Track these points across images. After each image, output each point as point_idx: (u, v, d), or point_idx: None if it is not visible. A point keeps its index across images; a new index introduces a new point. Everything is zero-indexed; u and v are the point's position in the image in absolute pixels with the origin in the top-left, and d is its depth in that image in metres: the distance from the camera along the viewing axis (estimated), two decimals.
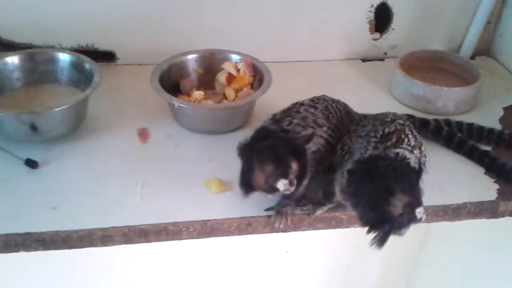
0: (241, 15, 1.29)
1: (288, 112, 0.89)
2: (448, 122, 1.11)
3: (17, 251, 0.86)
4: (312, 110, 0.89)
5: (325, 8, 1.31)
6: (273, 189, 0.79)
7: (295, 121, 0.85)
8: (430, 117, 1.14)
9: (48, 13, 1.21)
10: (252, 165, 0.80)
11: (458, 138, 1.07)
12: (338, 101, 0.97)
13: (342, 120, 0.93)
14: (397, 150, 0.82)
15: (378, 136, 0.86)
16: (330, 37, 1.35)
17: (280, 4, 1.28)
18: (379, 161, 0.79)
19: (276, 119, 0.87)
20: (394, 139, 0.85)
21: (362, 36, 1.38)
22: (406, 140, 0.86)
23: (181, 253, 1.60)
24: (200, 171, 1.00)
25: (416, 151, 0.86)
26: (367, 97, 1.25)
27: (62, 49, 1.19)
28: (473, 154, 1.06)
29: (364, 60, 1.41)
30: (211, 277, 1.72)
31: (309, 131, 0.85)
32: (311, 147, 0.84)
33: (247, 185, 0.82)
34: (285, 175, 0.77)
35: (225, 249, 1.64)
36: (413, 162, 0.81)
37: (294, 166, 0.78)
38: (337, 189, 0.85)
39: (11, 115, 0.97)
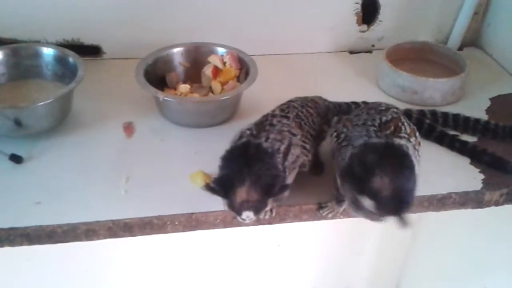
0: (227, 7, 1.28)
1: (262, 126, 0.88)
2: (433, 113, 1.12)
3: (2, 246, 0.86)
4: (285, 120, 0.89)
5: (312, 0, 1.30)
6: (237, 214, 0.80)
7: (271, 136, 0.85)
8: (416, 108, 1.14)
9: (33, 7, 1.20)
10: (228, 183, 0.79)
11: (439, 131, 1.08)
12: (307, 104, 0.96)
13: (314, 124, 0.94)
14: (400, 141, 0.83)
15: (376, 124, 0.86)
16: (317, 30, 1.35)
17: None
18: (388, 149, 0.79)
19: (253, 134, 0.87)
20: (392, 127, 0.86)
21: (349, 28, 1.37)
22: (403, 128, 0.87)
23: (170, 247, 1.60)
24: (186, 165, 0.99)
25: (412, 139, 0.87)
26: (355, 89, 1.25)
27: (47, 44, 1.18)
28: (453, 145, 1.07)
29: (351, 52, 1.41)
30: (201, 272, 1.72)
31: (286, 143, 0.85)
32: (289, 158, 0.85)
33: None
34: (252, 210, 0.78)
35: (216, 242, 1.64)
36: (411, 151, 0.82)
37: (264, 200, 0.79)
38: (337, 175, 0.86)
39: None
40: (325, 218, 0.93)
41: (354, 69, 1.33)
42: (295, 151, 0.87)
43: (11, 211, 0.86)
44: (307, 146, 0.90)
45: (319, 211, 0.93)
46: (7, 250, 0.87)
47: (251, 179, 0.77)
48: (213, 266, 1.71)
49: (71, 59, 1.09)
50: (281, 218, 0.93)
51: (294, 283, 1.86)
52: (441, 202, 0.98)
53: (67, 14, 1.22)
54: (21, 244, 0.86)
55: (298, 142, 0.88)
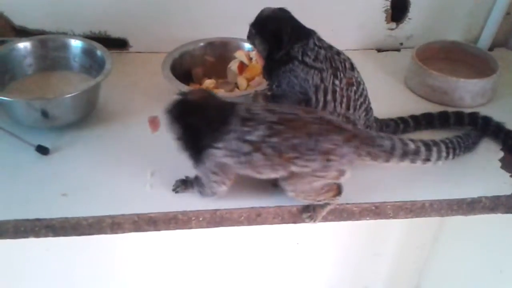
0: (254, 3, 1.26)
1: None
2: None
3: (27, 237, 0.87)
4: None
5: None
6: None
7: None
8: (447, 109, 1.12)
9: (61, 0, 1.20)
10: None
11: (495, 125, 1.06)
12: None
13: None
14: None
15: None
16: (345, 26, 1.33)
17: None
18: None
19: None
20: None
21: (377, 25, 1.35)
22: None
23: (190, 242, 1.60)
24: None
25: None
26: (382, 88, 1.22)
27: (75, 36, 1.18)
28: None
29: (379, 50, 1.39)
30: (220, 268, 1.72)
31: None
32: None
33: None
34: None
35: (235, 239, 1.63)
36: None
37: None
38: None
39: (22, 101, 0.97)
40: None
41: (382, 67, 1.31)
42: None
43: (36, 202, 0.87)
44: None
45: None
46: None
47: None
48: (231, 262, 1.71)
49: (98, 52, 1.09)
50: None
51: (312, 282, 1.84)
52: (470, 206, 0.95)
53: (95, 7, 1.22)
54: (46, 235, 0.87)
55: None
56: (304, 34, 0.95)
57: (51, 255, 1.53)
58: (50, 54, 1.12)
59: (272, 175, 0.84)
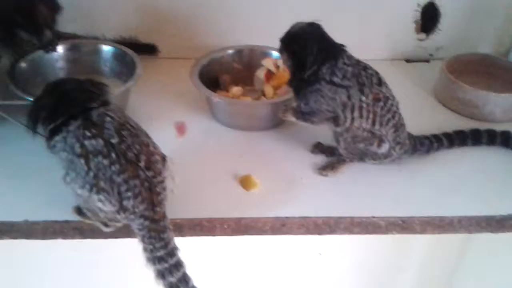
0: (282, 11, 1.27)
1: None
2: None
3: (55, 238, 0.88)
4: None
5: (370, 5, 1.28)
6: None
7: None
8: (476, 123, 1.10)
9: (93, 4, 1.23)
10: None
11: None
12: None
13: None
14: None
15: None
16: (374, 36, 1.32)
17: (322, 1, 1.26)
18: None
19: None
20: None
21: (407, 36, 1.34)
22: None
23: (211, 250, 1.60)
24: (235, 168, 0.99)
25: None
26: (411, 99, 1.20)
27: (106, 41, 1.21)
28: None
29: (408, 60, 1.37)
30: (240, 277, 1.71)
31: None
32: None
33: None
34: None
35: (257, 248, 1.63)
36: None
37: None
38: None
39: None
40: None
41: (411, 78, 1.30)
42: None
43: (66, 204, 0.87)
44: None
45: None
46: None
47: None
48: (253, 270, 1.70)
49: (129, 58, 1.10)
50: (331, 230, 0.91)
51: None
52: (500, 224, 0.93)
53: (126, 12, 1.25)
54: (73, 237, 0.88)
55: None
56: (333, 53, 0.95)
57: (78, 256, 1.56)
58: (82, 58, 1.14)
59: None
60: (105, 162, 0.75)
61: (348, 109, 0.94)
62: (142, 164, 0.77)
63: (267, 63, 1.16)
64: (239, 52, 1.20)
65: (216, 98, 1.05)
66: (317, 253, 1.66)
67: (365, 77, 0.94)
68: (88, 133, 0.76)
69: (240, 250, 1.62)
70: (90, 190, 0.76)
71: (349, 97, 0.93)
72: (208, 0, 1.25)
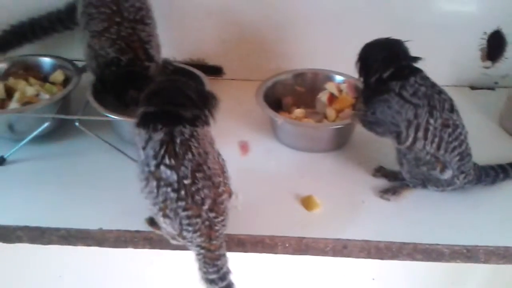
0: (346, 36, 1.29)
1: None
2: None
3: (125, 247, 0.93)
4: None
5: (436, 32, 1.27)
6: None
7: None
8: None
9: (166, 28, 1.30)
10: None
11: None
12: None
13: None
14: None
15: None
16: (438, 62, 1.30)
17: (387, 26, 1.26)
18: None
19: None
20: None
21: (472, 63, 1.32)
22: None
23: (264, 267, 1.61)
24: (297, 188, 1.01)
25: None
26: (475, 127, 1.17)
27: (177, 61, 1.27)
28: None
29: (473, 87, 1.35)
30: None
31: None
32: None
33: None
34: None
35: (308, 270, 1.62)
36: None
37: None
38: None
39: (127, 120, 1.05)
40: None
41: (475, 106, 1.28)
42: None
43: (138, 215, 0.92)
44: None
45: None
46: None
47: None
48: None
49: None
50: (393, 255, 0.91)
51: None
52: None
53: (198, 36, 1.31)
54: (143, 247, 0.93)
55: None
56: (408, 71, 0.96)
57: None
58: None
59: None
60: (173, 195, 0.78)
61: (413, 127, 0.93)
62: (205, 207, 0.79)
63: (330, 87, 1.18)
64: (302, 75, 1.23)
65: (281, 119, 1.08)
66: (371, 278, 1.63)
67: (437, 100, 0.94)
68: (167, 161, 0.78)
69: (292, 271, 1.62)
70: (159, 210, 0.80)
71: (415, 116, 0.93)
72: (273, 26, 1.29)
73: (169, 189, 0.78)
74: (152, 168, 0.78)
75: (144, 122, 0.81)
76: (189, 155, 0.78)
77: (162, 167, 0.78)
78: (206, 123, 0.85)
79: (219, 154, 0.88)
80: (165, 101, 0.82)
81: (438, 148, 0.94)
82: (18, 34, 1.24)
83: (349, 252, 0.91)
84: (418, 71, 0.96)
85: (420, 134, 0.93)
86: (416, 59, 0.97)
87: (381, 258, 0.91)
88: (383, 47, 0.99)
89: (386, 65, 0.96)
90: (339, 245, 0.91)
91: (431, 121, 0.93)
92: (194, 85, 0.87)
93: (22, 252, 1.22)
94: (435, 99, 0.94)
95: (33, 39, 1.24)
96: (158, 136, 0.79)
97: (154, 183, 0.79)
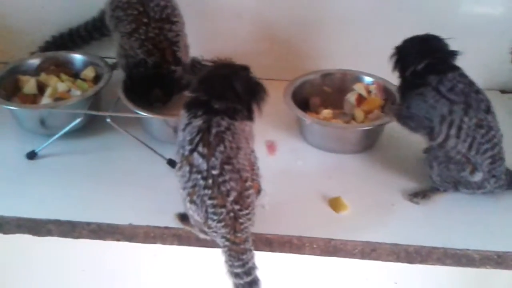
0: (376, 38, 1.28)
1: None
2: None
3: (154, 243, 0.94)
4: None
5: (466, 35, 1.25)
6: None
7: None
8: None
9: (194, 28, 1.31)
10: None
11: None
12: None
13: None
14: None
15: None
16: (468, 65, 1.28)
17: (418, 28, 1.25)
18: None
19: None
20: None
21: (503, 66, 1.30)
22: None
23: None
24: (324, 189, 1.01)
25: None
26: (505, 130, 1.17)
27: (204, 60, 1.27)
28: None
29: (503, 91, 1.34)
30: None
31: None
32: None
33: None
34: None
35: (330, 272, 1.61)
36: None
37: None
38: None
39: (159, 118, 1.06)
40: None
41: (505, 109, 1.26)
42: None
43: (167, 211, 0.93)
44: None
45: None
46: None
47: None
48: None
49: None
50: (422, 259, 0.90)
51: None
52: None
53: (223, 37, 1.32)
54: (171, 243, 0.93)
55: None
56: (446, 66, 0.96)
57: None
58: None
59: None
60: (201, 182, 0.80)
61: (446, 123, 0.93)
62: (231, 198, 0.80)
63: (359, 88, 1.18)
64: (330, 75, 1.23)
65: (309, 119, 1.08)
66: (393, 282, 1.62)
67: (474, 99, 0.93)
68: (200, 149, 0.80)
69: (316, 272, 1.61)
70: (187, 195, 0.82)
71: (450, 112, 0.92)
72: (301, 26, 1.29)
73: (198, 176, 0.80)
74: (187, 153, 0.81)
75: (189, 106, 0.84)
76: (221, 147, 0.80)
77: (195, 154, 0.80)
78: (247, 117, 0.86)
79: (252, 151, 0.88)
80: (209, 90, 0.84)
81: (470, 148, 0.93)
82: (59, 45, 1.29)
83: (377, 255, 0.91)
84: (457, 68, 0.96)
85: (453, 131, 0.92)
86: (453, 53, 0.96)
87: (410, 262, 0.90)
88: (419, 41, 0.99)
89: (421, 58, 0.95)
90: (367, 248, 0.90)
91: (466, 119, 0.92)
92: (245, 76, 0.88)
93: (47, 245, 1.24)
94: (472, 97, 0.93)
95: (73, 48, 1.28)
96: (197, 122, 0.81)
97: (187, 168, 0.81)
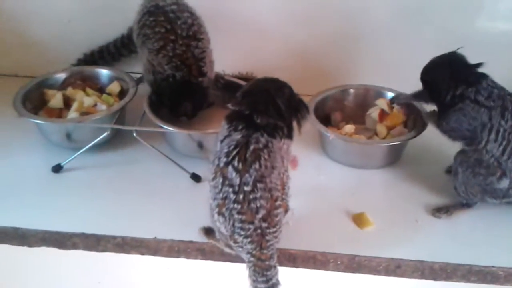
0: (398, 53, 1.29)
1: None
2: None
3: (178, 257, 0.94)
4: None
5: (488, 50, 1.24)
6: None
7: None
8: None
9: (216, 46, 1.33)
10: None
11: None
12: None
13: None
14: None
15: None
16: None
17: (442, 43, 1.25)
18: None
19: None
20: None
21: None
22: None
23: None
24: (348, 205, 1.01)
25: None
26: None
27: (228, 75, 1.29)
28: None
29: None
30: None
31: None
32: None
33: None
34: None
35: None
36: None
37: None
38: None
39: (183, 133, 1.07)
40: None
41: None
42: None
43: (191, 225, 0.94)
44: None
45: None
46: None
47: None
48: None
49: None
50: (447, 276, 0.90)
51: None
52: None
53: (246, 52, 1.34)
54: (195, 257, 0.94)
55: None
56: (475, 77, 0.96)
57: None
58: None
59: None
60: (232, 196, 0.80)
61: (486, 130, 0.93)
62: (259, 216, 0.80)
63: (381, 103, 1.18)
64: (353, 91, 1.23)
65: (332, 135, 1.08)
66: None
67: (510, 102, 0.93)
68: (235, 163, 0.80)
69: None
70: (216, 206, 0.82)
71: (490, 118, 0.93)
72: (323, 40, 1.30)
73: (230, 189, 0.80)
74: (222, 164, 0.81)
75: (230, 119, 0.84)
76: (256, 165, 0.80)
77: (230, 167, 0.80)
78: (287, 135, 0.86)
79: (286, 170, 0.88)
80: (252, 105, 0.83)
81: (503, 152, 0.93)
82: (90, 62, 1.32)
83: (402, 272, 0.90)
84: (485, 75, 0.97)
85: (492, 136, 0.93)
86: (478, 65, 0.97)
87: (435, 279, 0.90)
88: (444, 66, 0.99)
89: (455, 83, 0.97)
90: (392, 265, 0.90)
91: (502, 122, 0.93)
92: (288, 92, 0.88)
93: (68, 258, 1.25)
94: (507, 100, 0.94)
95: (103, 65, 1.31)
96: (236, 136, 0.82)
97: (220, 180, 0.81)
